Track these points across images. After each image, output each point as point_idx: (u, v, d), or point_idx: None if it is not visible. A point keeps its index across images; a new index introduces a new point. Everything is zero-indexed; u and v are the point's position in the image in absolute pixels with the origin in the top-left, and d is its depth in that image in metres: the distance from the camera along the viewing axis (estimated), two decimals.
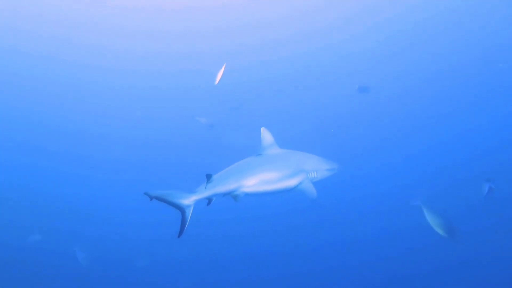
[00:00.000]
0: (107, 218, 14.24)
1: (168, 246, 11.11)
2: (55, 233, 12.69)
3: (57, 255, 11.47)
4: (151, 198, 4.69)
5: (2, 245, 12.05)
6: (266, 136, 5.62)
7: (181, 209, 4.75)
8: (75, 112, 23.07)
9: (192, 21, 23.81)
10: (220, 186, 4.92)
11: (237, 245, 12.08)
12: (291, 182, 5.17)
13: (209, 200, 4.95)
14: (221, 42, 24.44)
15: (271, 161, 5.33)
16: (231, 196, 4.94)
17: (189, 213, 4.74)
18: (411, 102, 21.98)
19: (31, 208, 14.95)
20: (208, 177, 4.88)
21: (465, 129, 20.71)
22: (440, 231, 6.11)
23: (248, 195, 5.00)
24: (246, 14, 23.48)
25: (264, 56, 25.30)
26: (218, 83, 7.71)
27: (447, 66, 22.73)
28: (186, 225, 4.72)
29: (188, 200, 4.75)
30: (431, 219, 6.19)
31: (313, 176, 5.40)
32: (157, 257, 11.72)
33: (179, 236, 4.68)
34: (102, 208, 15.34)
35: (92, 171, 19.07)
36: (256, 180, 5.00)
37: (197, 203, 4.86)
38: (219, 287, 10.96)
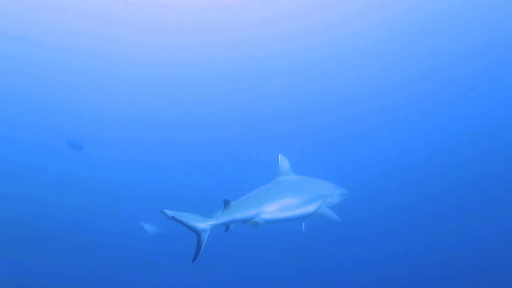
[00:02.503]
0: None
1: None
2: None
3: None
4: (169, 217, 4.64)
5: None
6: (284, 162, 5.85)
7: (196, 233, 4.67)
8: None
9: None
10: (239, 212, 4.85)
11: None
12: (310, 208, 5.28)
13: (227, 226, 4.85)
14: None
15: (289, 188, 5.44)
16: (251, 223, 4.90)
17: (205, 237, 4.64)
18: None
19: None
20: (226, 203, 4.80)
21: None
22: None
23: (267, 221, 5.00)
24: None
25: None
26: None
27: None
28: (201, 249, 4.63)
29: (205, 224, 4.66)
30: None
31: (328, 201, 5.60)
32: None
33: (193, 261, 4.61)
34: None
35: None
36: (276, 207, 5.03)
37: (214, 228, 4.76)
38: None
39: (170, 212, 4.64)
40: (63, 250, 12.23)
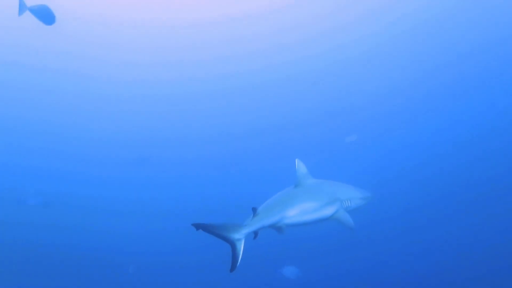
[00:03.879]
0: None
1: None
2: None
3: None
4: (198, 229, 4.62)
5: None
6: (301, 167, 5.79)
7: (231, 243, 4.68)
8: None
9: None
10: (266, 218, 4.92)
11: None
12: (328, 212, 5.23)
13: (255, 233, 4.92)
14: None
15: (308, 192, 5.43)
16: (275, 228, 4.96)
17: (241, 246, 4.67)
18: None
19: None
20: (254, 210, 4.89)
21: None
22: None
23: (289, 226, 5.03)
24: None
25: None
26: None
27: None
28: (239, 259, 4.63)
29: (239, 234, 4.69)
30: None
31: (347, 205, 5.48)
32: None
33: (231, 271, 4.60)
34: None
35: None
36: (297, 211, 5.06)
37: (248, 236, 4.79)
38: None
39: (201, 224, 4.61)
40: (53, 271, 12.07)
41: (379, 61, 25.51)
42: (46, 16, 8.64)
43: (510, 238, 11.84)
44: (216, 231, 4.66)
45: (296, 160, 5.85)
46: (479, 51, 24.38)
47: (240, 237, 4.70)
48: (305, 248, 12.10)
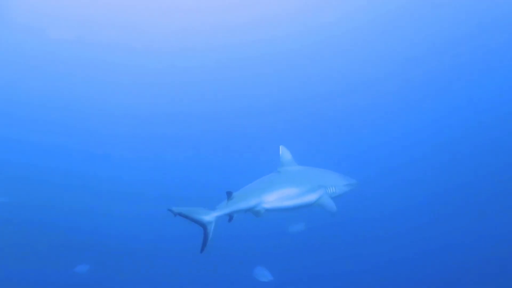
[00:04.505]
0: None
1: None
2: None
3: None
4: (175, 214, 4.88)
5: None
6: (285, 153, 5.83)
7: (203, 225, 4.88)
8: None
9: None
10: (242, 202, 5.02)
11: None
12: (311, 198, 5.27)
13: (230, 216, 5.05)
14: None
15: (290, 178, 5.48)
16: (252, 212, 5.04)
17: (211, 229, 4.86)
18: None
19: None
20: (229, 194, 5.00)
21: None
22: None
23: (268, 210, 5.09)
24: None
25: None
26: None
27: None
28: (208, 241, 4.86)
29: (209, 216, 4.87)
30: None
31: (332, 191, 5.50)
32: None
33: (201, 251, 4.86)
34: None
35: None
36: (277, 196, 5.10)
37: (219, 219, 4.97)
38: None
39: (176, 209, 4.87)
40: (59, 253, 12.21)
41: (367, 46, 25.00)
42: None
43: (499, 235, 11.79)
44: (189, 215, 4.88)
45: (281, 147, 5.90)
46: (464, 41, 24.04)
47: (210, 219, 4.87)
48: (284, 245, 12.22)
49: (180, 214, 4.87)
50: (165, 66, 25.71)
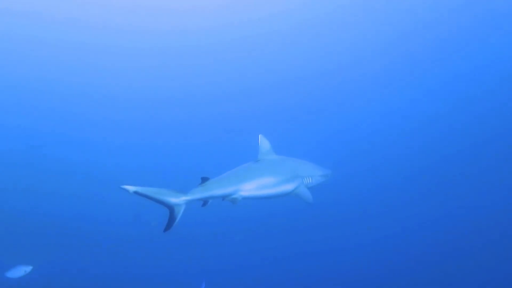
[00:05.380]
0: None
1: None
2: None
3: None
4: (130, 193, 4.42)
5: None
6: (264, 143, 5.88)
7: (169, 207, 4.67)
8: None
9: None
10: (218, 188, 4.98)
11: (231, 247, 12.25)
12: (287, 187, 5.38)
13: (204, 202, 5.03)
14: None
15: (268, 167, 5.54)
16: (229, 199, 5.05)
17: (179, 212, 4.66)
18: None
19: None
20: (204, 179, 4.93)
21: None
22: None
23: (245, 198, 5.15)
24: None
25: None
26: None
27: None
28: (174, 224, 4.64)
29: (178, 199, 4.68)
30: None
31: (308, 181, 5.66)
32: None
33: (164, 231, 4.62)
34: None
35: None
36: (254, 185, 5.16)
37: (190, 203, 4.79)
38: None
39: (132, 188, 4.42)
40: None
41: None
42: None
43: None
44: (151, 195, 4.57)
45: (260, 136, 5.93)
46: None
47: (179, 202, 4.68)
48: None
49: (139, 194, 4.46)
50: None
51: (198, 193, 4.87)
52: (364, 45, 24.71)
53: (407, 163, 17.09)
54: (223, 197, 5.05)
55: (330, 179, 6.24)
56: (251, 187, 5.13)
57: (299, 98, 24.18)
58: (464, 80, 24.31)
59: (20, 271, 8.22)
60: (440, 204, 13.69)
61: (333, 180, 6.36)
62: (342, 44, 25.00)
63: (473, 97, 22.35)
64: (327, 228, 12.62)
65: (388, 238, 12.50)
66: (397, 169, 16.61)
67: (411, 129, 20.67)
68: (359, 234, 12.65)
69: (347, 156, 17.66)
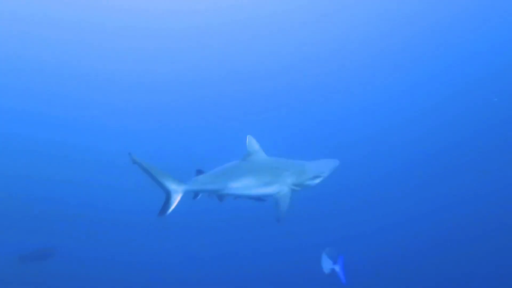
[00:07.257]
0: None
1: None
2: None
3: None
4: (134, 162, 4.46)
5: None
6: (252, 143, 5.66)
7: (167, 192, 4.64)
8: None
9: None
10: (209, 183, 5.01)
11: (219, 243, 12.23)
12: (271, 190, 5.16)
13: (196, 194, 5.06)
14: None
15: (255, 167, 5.34)
16: (217, 195, 5.07)
17: (176, 199, 4.64)
18: None
19: None
20: (199, 172, 5.01)
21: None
22: None
23: (231, 196, 5.17)
24: None
25: None
26: None
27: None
28: (170, 210, 4.61)
29: (179, 187, 4.67)
30: None
31: (297, 182, 5.31)
32: None
33: (158, 215, 4.58)
34: None
35: None
36: (240, 184, 5.08)
37: (187, 193, 4.78)
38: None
39: (140, 160, 4.45)
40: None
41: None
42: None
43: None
44: (156, 176, 4.57)
45: (248, 137, 5.68)
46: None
47: (178, 190, 4.67)
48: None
49: (143, 168, 4.49)
50: None
51: (194, 185, 4.91)
52: (358, 37, 24.37)
53: (401, 157, 17.00)
54: (212, 192, 5.09)
55: (323, 182, 5.88)
56: (237, 186, 5.05)
57: (292, 91, 23.95)
58: (460, 72, 24.22)
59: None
60: (433, 197, 13.69)
61: (331, 180, 6.07)
62: (334, 37, 24.62)
63: (470, 90, 22.25)
64: (320, 220, 12.59)
65: (381, 230, 12.47)
66: (391, 163, 16.52)
67: (405, 123, 20.52)
68: (353, 226, 12.62)
69: (340, 149, 17.53)
